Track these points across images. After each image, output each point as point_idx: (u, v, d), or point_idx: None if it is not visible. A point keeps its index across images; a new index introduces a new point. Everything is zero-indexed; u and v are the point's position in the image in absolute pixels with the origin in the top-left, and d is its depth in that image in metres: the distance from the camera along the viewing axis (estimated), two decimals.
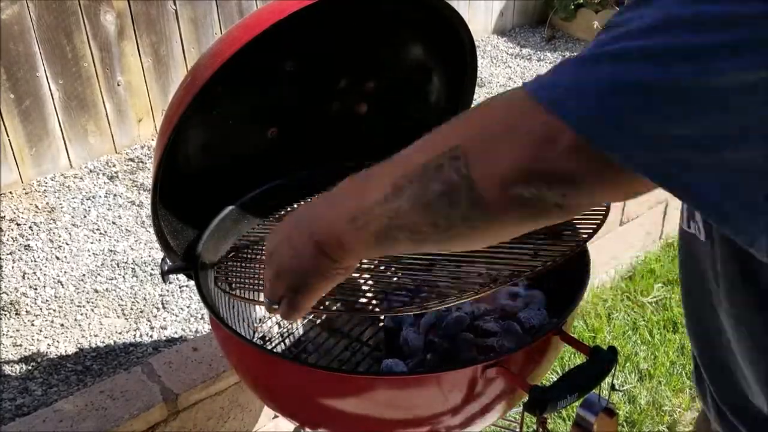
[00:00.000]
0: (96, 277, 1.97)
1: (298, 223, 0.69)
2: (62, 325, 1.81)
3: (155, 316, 1.85)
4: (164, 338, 1.78)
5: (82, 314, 1.84)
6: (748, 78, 0.40)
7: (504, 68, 3.16)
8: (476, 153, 0.51)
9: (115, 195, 2.30)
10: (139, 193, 2.32)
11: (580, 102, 0.44)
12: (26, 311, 1.85)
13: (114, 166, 2.44)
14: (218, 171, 1.23)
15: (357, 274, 1.02)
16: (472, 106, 1.28)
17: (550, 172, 0.47)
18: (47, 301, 1.88)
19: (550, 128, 0.45)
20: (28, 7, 2.12)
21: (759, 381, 0.65)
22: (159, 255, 2.02)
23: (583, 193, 0.48)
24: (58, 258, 2.03)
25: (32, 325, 1.81)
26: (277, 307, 0.75)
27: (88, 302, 1.88)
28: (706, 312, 0.71)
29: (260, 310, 1.33)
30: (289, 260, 0.69)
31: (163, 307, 1.88)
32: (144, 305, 1.88)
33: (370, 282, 1.01)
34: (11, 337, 1.76)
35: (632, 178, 0.44)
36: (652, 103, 0.42)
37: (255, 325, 1.31)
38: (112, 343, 1.76)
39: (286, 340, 1.27)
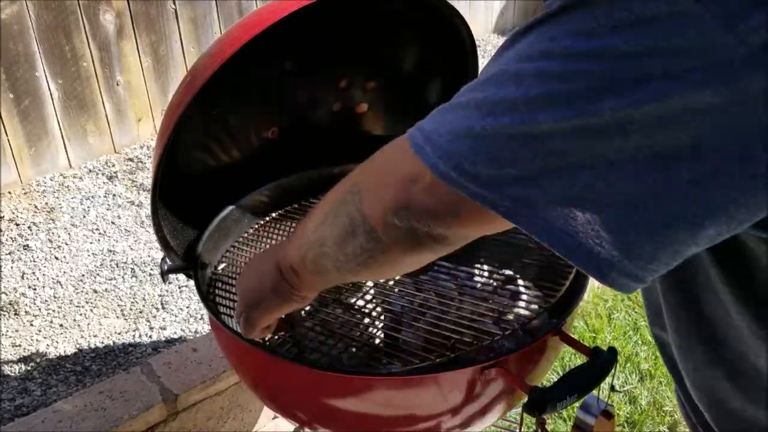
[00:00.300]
0: (95, 277, 1.97)
1: (269, 250, 0.78)
2: (61, 325, 1.81)
3: (154, 317, 1.84)
4: (164, 339, 1.78)
5: (81, 314, 1.84)
6: (565, 125, 0.44)
7: None
8: (366, 189, 0.59)
9: (114, 195, 2.30)
10: (139, 193, 2.32)
11: (434, 147, 0.50)
12: (25, 311, 1.84)
13: (113, 166, 2.44)
14: (218, 171, 1.23)
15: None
16: None
17: (415, 207, 0.54)
18: (46, 301, 1.88)
19: (416, 169, 0.52)
20: (27, 6, 2.12)
21: (708, 413, 0.66)
22: (158, 255, 2.02)
23: (445, 225, 0.54)
24: (57, 258, 2.03)
25: (31, 325, 1.80)
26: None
27: (87, 302, 1.88)
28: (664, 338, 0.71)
29: None
30: (254, 279, 0.78)
31: (163, 308, 1.88)
32: (143, 305, 1.88)
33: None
34: (10, 337, 1.76)
35: (486, 212, 0.49)
36: (484, 147, 0.47)
37: None
38: (112, 344, 1.76)
39: (286, 341, 1.27)
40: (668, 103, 0.41)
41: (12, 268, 1.98)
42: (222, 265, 1.20)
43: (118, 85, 2.42)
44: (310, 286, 0.74)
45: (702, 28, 0.39)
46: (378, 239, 0.58)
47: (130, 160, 2.47)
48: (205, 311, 1.71)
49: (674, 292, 0.62)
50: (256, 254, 0.85)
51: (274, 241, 1.24)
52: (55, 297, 1.89)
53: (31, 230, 2.13)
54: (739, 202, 0.42)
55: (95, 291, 1.92)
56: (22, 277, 1.95)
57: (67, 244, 2.08)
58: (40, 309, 1.85)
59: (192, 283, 1.13)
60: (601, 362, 0.89)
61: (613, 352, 0.89)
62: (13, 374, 1.65)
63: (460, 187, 0.49)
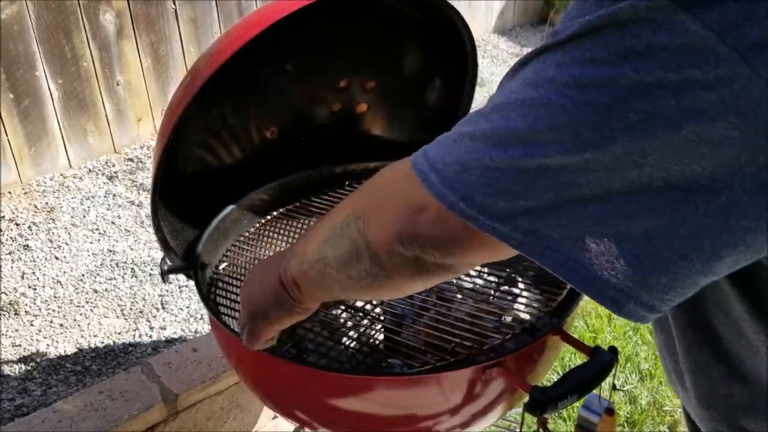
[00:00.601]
0: (95, 277, 1.96)
1: (273, 259, 0.77)
2: (61, 325, 1.81)
3: (155, 317, 1.84)
4: (164, 338, 1.78)
5: (81, 314, 1.84)
6: (575, 159, 0.43)
7: (504, 68, 3.16)
8: (370, 216, 0.58)
9: (114, 195, 2.30)
10: (139, 193, 2.32)
11: (440, 176, 0.49)
12: (25, 311, 1.84)
13: (113, 166, 2.44)
14: (218, 171, 1.23)
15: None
16: (472, 107, 1.28)
17: (421, 237, 0.53)
18: (46, 301, 1.88)
19: (421, 198, 0.51)
20: (27, 6, 2.12)
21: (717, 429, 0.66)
22: (158, 255, 2.02)
23: (451, 255, 0.54)
24: (57, 258, 2.03)
25: (31, 325, 1.80)
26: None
27: (87, 302, 1.88)
28: (671, 356, 0.71)
29: None
30: (257, 290, 0.77)
31: (163, 308, 1.88)
32: (143, 305, 1.88)
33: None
34: (10, 337, 1.76)
35: (495, 242, 0.48)
36: (494, 179, 0.46)
37: None
38: (112, 344, 1.76)
39: (286, 341, 1.26)
40: (682, 135, 0.40)
41: (12, 268, 1.98)
42: (222, 265, 1.20)
43: (118, 85, 2.42)
44: (312, 299, 0.73)
45: (719, 60, 0.38)
46: (382, 265, 0.58)
47: (130, 160, 2.47)
48: (205, 311, 1.71)
49: (684, 312, 0.61)
50: (259, 261, 0.83)
51: (273, 242, 1.24)
52: (55, 297, 1.89)
53: (31, 230, 2.13)
54: (756, 232, 0.42)
55: (95, 291, 1.92)
56: (22, 277, 1.95)
57: (67, 244, 2.08)
58: (40, 309, 1.85)
59: (192, 283, 1.13)
60: (602, 361, 0.89)
61: (614, 351, 0.89)
62: (13, 374, 1.65)
63: (469, 219, 0.48)
